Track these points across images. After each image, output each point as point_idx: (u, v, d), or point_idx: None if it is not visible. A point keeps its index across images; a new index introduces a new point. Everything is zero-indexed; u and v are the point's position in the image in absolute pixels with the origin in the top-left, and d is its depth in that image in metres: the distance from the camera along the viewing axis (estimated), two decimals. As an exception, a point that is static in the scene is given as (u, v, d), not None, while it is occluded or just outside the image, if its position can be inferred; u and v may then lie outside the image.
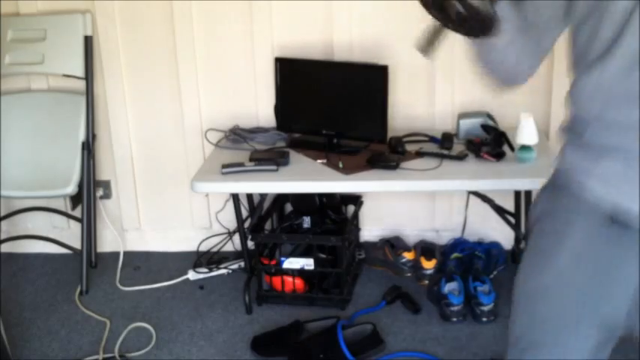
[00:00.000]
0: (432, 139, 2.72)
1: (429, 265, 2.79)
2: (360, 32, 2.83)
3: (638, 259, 1.22)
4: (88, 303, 2.81)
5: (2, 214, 3.07)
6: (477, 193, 2.80)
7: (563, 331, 1.27)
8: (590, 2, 1.21)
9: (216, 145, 2.83)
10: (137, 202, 3.16)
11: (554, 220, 1.32)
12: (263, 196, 2.83)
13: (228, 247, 3.10)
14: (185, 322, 2.66)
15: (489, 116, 2.69)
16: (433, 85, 2.85)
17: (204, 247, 3.11)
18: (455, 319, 2.55)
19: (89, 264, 2.96)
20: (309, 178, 2.53)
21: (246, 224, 2.81)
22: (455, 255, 2.83)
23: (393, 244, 2.92)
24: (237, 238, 2.94)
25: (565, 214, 1.30)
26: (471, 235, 2.98)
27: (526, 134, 2.47)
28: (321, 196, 2.78)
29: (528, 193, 2.52)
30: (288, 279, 2.70)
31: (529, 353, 1.34)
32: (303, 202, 2.79)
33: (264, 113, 2.93)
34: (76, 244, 2.94)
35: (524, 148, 2.50)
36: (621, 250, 1.23)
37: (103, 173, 3.10)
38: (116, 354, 2.49)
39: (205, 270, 2.97)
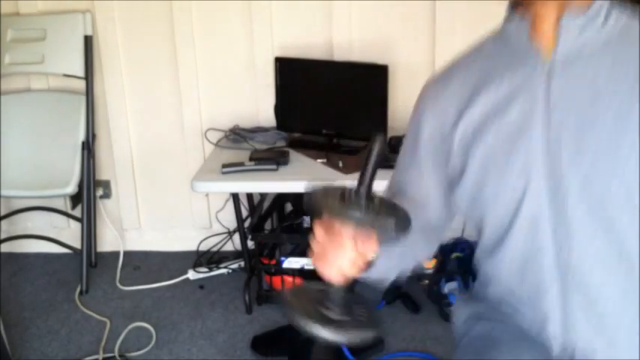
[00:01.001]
0: (432, 139, 2.72)
1: (428, 265, 2.79)
2: (360, 32, 2.83)
3: None
4: (88, 303, 2.81)
5: (2, 213, 3.07)
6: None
7: None
8: (468, 204, 1.16)
9: (216, 144, 2.83)
10: (137, 201, 3.16)
11: (476, 334, 1.27)
12: (263, 195, 2.83)
13: (228, 247, 3.10)
14: (185, 322, 2.66)
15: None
16: (433, 85, 2.85)
17: (204, 247, 3.11)
18: (455, 319, 2.55)
19: (89, 264, 2.96)
20: (309, 178, 2.53)
21: (246, 224, 2.81)
22: (455, 255, 2.82)
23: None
24: (237, 237, 2.94)
25: (485, 325, 1.26)
26: (471, 235, 2.97)
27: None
28: (321, 196, 2.78)
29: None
30: (288, 279, 2.69)
31: None
32: (303, 201, 2.79)
33: (264, 113, 2.93)
34: (76, 243, 2.94)
35: (524, 147, 2.49)
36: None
37: (102, 173, 3.10)
38: (116, 354, 2.49)
39: (205, 270, 2.97)
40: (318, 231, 1.07)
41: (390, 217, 1.05)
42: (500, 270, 1.18)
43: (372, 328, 1.13)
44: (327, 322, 1.06)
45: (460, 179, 1.16)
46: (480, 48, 1.22)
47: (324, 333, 1.04)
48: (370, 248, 1.06)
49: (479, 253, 1.25)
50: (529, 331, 1.17)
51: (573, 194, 1.04)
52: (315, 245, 1.08)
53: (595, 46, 1.04)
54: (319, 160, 2.62)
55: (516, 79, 1.09)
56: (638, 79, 1.00)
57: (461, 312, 1.34)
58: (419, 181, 1.25)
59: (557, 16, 1.04)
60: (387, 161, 2.69)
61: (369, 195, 1.05)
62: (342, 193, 1.06)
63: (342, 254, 1.06)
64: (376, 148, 1.10)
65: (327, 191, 1.08)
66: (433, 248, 1.31)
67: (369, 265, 1.12)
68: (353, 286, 1.16)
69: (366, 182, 1.06)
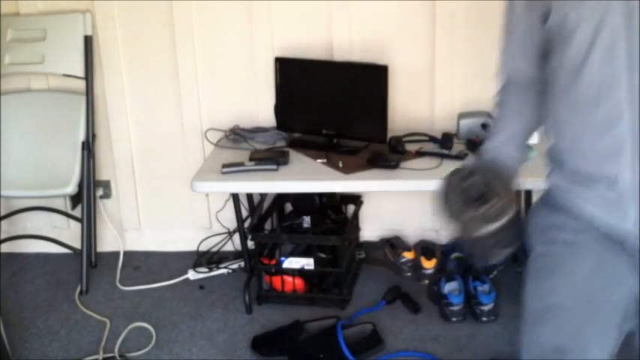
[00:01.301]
0: (432, 139, 2.72)
1: (429, 265, 2.79)
2: (360, 32, 2.83)
3: (638, 268, 1.29)
4: (88, 303, 2.81)
5: (2, 214, 3.07)
6: (476, 193, 2.80)
7: (580, 343, 1.33)
8: (554, 30, 1.28)
9: (216, 144, 2.83)
10: (137, 202, 3.16)
11: (558, 241, 1.39)
12: (263, 195, 2.83)
13: (228, 247, 3.10)
14: (185, 322, 2.66)
15: (489, 116, 2.68)
16: (433, 85, 2.85)
17: (204, 247, 3.11)
18: (455, 319, 2.55)
19: (89, 264, 2.96)
20: (309, 178, 2.53)
21: (246, 224, 2.81)
22: (455, 255, 2.83)
23: (393, 244, 2.92)
24: (237, 237, 2.94)
25: (568, 233, 1.37)
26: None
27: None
28: (321, 195, 2.78)
29: (528, 193, 2.52)
30: (288, 279, 2.70)
31: None
32: (303, 202, 2.79)
33: (264, 113, 2.93)
34: (76, 243, 2.94)
35: (524, 147, 2.50)
36: (622, 262, 1.32)
37: (102, 173, 3.10)
38: (116, 354, 2.49)
39: (205, 270, 2.97)
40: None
41: (509, 232, 1.32)
42: (577, 102, 1.27)
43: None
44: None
45: (548, 18, 1.29)
46: None
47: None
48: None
49: (551, 104, 1.37)
50: (594, 178, 1.29)
51: None
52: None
53: None
54: (319, 160, 2.62)
55: None
56: None
57: (541, 216, 1.45)
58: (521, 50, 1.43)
59: None
60: (387, 161, 2.70)
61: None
62: (475, 207, 1.34)
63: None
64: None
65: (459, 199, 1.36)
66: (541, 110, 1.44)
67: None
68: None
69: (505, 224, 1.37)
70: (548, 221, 1.42)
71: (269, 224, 2.91)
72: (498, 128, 1.53)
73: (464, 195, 1.39)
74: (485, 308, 2.53)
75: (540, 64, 1.41)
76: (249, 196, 2.85)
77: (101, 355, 2.48)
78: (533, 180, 2.41)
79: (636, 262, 1.31)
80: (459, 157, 2.56)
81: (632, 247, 1.30)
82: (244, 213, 2.83)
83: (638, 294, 1.32)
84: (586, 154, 1.30)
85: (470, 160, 1.49)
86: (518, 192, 1.43)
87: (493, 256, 1.43)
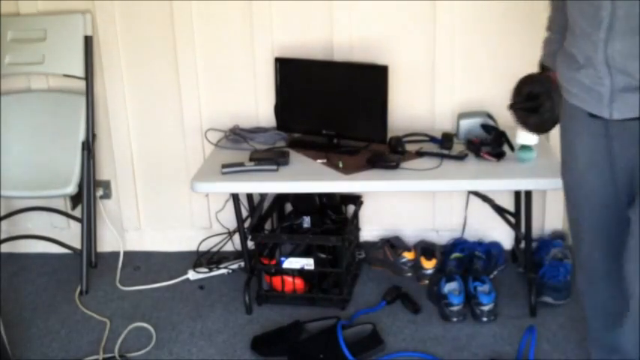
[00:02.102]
0: (432, 139, 2.72)
1: (429, 265, 2.79)
2: (360, 32, 2.83)
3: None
4: (88, 303, 2.81)
5: (2, 214, 3.07)
6: (477, 193, 2.80)
7: (591, 204, 1.83)
8: None
9: (216, 145, 2.83)
10: (137, 202, 3.16)
11: (565, 133, 1.84)
12: (263, 196, 2.83)
13: (228, 247, 3.10)
14: (185, 322, 2.66)
15: (489, 116, 2.69)
16: (433, 85, 2.85)
17: (204, 247, 3.11)
18: (455, 319, 2.55)
19: (89, 264, 2.96)
20: (309, 178, 2.53)
21: (246, 224, 2.81)
22: (455, 255, 2.83)
23: (393, 244, 2.92)
24: (237, 238, 2.94)
25: (569, 124, 1.80)
26: (471, 235, 2.98)
27: (526, 134, 2.47)
28: (321, 196, 2.78)
29: (528, 193, 2.52)
30: (288, 279, 2.70)
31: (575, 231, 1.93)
32: (303, 202, 2.79)
33: (264, 113, 2.93)
34: (76, 244, 2.94)
35: (525, 147, 2.50)
36: (609, 140, 1.69)
37: (103, 173, 3.10)
38: (116, 354, 2.49)
39: (205, 270, 2.97)
40: None
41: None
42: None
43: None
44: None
45: None
46: None
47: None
48: None
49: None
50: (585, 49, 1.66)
51: None
52: None
53: None
54: (319, 161, 2.62)
55: None
56: None
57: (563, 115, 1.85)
58: None
59: None
60: (387, 161, 2.70)
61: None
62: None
63: None
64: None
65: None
66: None
67: None
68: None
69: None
70: (562, 124, 1.86)
71: (269, 224, 2.91)
72: (549, 27, 1.94)
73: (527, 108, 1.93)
74: (486, 308, 2.53)
75: None
76: (249, 197, 2.85)
77: (101, 355, 2.48)
78: (532, 180, 2.44)
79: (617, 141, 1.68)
80: (458, 157, 2.56)
81: (613, 129, 1.67)
82: (244, 213, 2.83)
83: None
84: (577, 41, 1.66)
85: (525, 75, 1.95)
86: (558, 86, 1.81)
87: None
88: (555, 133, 1.94)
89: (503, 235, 2.96)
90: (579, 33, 1.66)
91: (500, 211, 2.77)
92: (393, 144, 2.64)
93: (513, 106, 1.94)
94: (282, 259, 2.67)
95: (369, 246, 2.98)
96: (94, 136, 2.93)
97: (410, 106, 2.88)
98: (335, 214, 2.83)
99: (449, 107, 2.85)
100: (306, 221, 2.78)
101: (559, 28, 1.85)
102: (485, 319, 2.54)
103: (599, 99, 1.64)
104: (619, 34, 1.54)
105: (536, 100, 1.89)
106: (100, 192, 3.09)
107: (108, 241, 3.15)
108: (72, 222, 3.09)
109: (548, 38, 1.96)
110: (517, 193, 2.77)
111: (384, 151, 2.62)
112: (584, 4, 1.62)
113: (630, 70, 1.55)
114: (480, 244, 2.92)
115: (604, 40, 1.57)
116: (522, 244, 2.73)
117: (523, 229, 2.62)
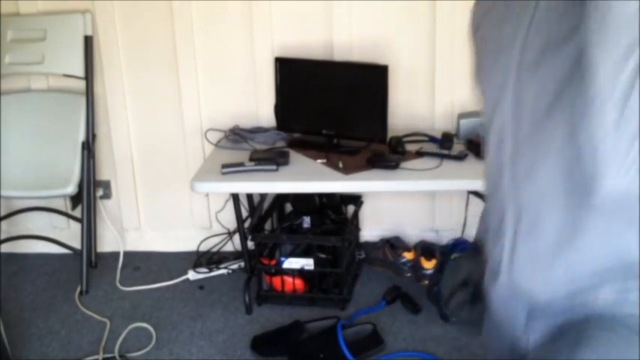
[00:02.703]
0: (432, 139, 2.72)
1: (429, 265, 2.79)
2: (360, 32, 2.83)
3: None
4: (88, 303, 2.81)
5: (2, 214, 3.07)
6: (476, 193, 2.80)
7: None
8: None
9: (216, 145, 2.83)
10: (137, 202, 3.16)
11: None
12: (263, 196, 2.83)
13: (228, 247, 3.10)
14: (185, 322, 2.66)
15: (489, 116, 2.69)
16: (433, 85, 2.85)
17: (204, 247, 3.11)
18: (455, 320, 2.55)
19: (89, 264, 2.96)
20: (309, 178, 2.53)
21: (246, 224, 2.81)
22: (455, 255, 2.82)
23: (393, 244, 2.92)
24: (237, 238, 2.94)
25: None
26: (471, 235, 2.98)
27: None
28: (321, 196, 2.78)
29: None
30: (288, 279, 2.70)
31: None
32: (303, 202, 2.79)
33: (264, 113, 2.93)
34: (76, 244, 2.94)
35: (524, 148, 2.50)
36: None
37: (103, 173, 3.10)
38: (116, 354, 2.49)
39: (205, 270, 2.97)
40: None
41: None
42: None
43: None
44: None
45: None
46: None
47: None
48: None
49: None
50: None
51: (526, 114, 1.04)
52: None
53: None
54: (319, 160, 2.62)
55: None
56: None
57: None
58: None
59: None
60: (387, 161, 2.69)
61: None
62: None
63: None
64: None
65: None
66: None
67: None
68: None
69: None
70: None
71: (269, 224, 2.91)
72: None
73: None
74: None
75: None
76: (249, 197, 2.85)
77: (101, 355, 2.48)
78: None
79: None
80: (458, 157, 2.56)
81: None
82: (244, 213, 2.83)
83: None
84: (488, 237, 1.24)
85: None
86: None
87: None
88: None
89: (503, 235, 2.96)
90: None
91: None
92: (393, 144, 2.64)
93: None
94: (282, 259, 2.67)
95: (369, 246, 2.98)
96: (94, 136, 2.93)
97: (410, 106, 2.88)
98: (335, 214, 2.83)
99: (449, 107, 2.85)
100: (306, 221, 2.78)
101: None
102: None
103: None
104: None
105: None
106: (100, 192, 3.09)
107: (108, 241, 3.15)
108: (72, 222, 3.09)
109: None
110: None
111: (384, 151, 2.62)
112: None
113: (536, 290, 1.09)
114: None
115: (507, 256, 1.11)
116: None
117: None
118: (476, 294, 1.39)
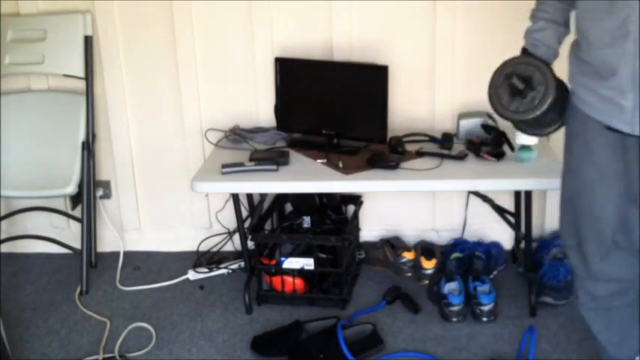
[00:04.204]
0: (432, 139, 2.72)
1: (429, 265, 2.79)
2: (360, 32, 2.83)
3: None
4: (88, 303, 2.81)
5: (2, 214, 3.07)
6: (477, 193, 2.80)
7: (595, 207, 1.75)
8: None
9: (216, 145, 2.83)
10: (137, 202, 3.16)
11: (573, 139, 1.75)
12: (263, 196, 2.83)
13: (228, 247, 3.10)
14: (185, 322, 2.66)
15: (489, 116, 2.69)
16: (433, 85, 2.85)
17: (204, 247, 3.11)
18: (455, 319, 2.55)
19: (89, 264, 2.96)
20: (309, 178, 2.53)
21: (246, 224, 2.81)
22: (455, 255, 2.83)
23: (393, 244, 2.92)
24: (237, 238, 2.94)
25: (580, 130, 1.69)
26: (471, 235, 2.98)
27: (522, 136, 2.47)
28: (321, 196, 2.78)
29: (528, 193, 2.52)
30: (288, 279, 2.70)
31: (574, 241, 1.85)
32: (303, 202, 2.79)
33: (264, 113, 2.93)
34: (76, 244, 2.94)
35: (524, 147, 2.50)
36: (626, 152, 1.61)
37: (103, 173, 3.10)
38: (116, 354, 2.49)
39: (205, 270, 2.97)
40: None
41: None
42: (594, 10, 1.55)
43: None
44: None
45: None
46: None
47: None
48: None
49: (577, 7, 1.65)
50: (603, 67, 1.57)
51: None
52: None
53: None
54: (319, 160, 2.62)
55: None
56: None
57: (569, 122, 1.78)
58: None
59: None
60: (387, 161, 2.70)
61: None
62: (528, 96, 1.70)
63: None
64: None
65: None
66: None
67: None
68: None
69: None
70: (570, 129, 1.77)
71: (269, 224, 2.91)
72: (538, 16, 1.80)
73: (510, 89, 1.69)
74: (485, 308, 2.53)
75: None
76: (249, 197, 2.85)
77: (101, 355, 2.48)
78: (532, 180, 2.44)
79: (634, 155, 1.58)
80: (458, 157, 2.56)
81: (629, 141, 1.57)
82: (244, 213, 2.83)
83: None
84: (595, 52, 1.55)
85: (511, 57, 1.75)
86: (557, 79, 1.69)
87: (547, 130, 1.82)
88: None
89: (503, 235, 2.96)
90: (598, 44, 1.56)
91: (500, 211, 2.77)
92: (393, 144, 2.64)
93: (494, 84, 1.71)
94: (282, 259, 2.67)
95: (369, 246, 2.98)
96: (94, 136, 2.93)
97: (410, 106, 2.88)
98: (335, 214, 2.83)
99: (449, 107, 2.85)
100: (306, 221, 2.78)
101: (554, 20, 1.76)
102: (485, 319, 2.54)
103: (621, 112, 1.55)
104: None
105: (525, 82, 1.67)
106: (100, 192, 3.09)
107: (108, 241, 3.15)
108: (72, 222, 3.09)
109: (537, 28, 1.80)
110: (517, 193, 2.77)
111: (384, 151, 2.62)
112: (605, 15, 1.51)
113: None
114: (479, 244, 2.92)
115: (632, 53, 1.48)
116: (522, 244, 2.73)
117: (523, 229, 2.62)
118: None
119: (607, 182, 1.69)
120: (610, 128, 1.58)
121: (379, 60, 2.70)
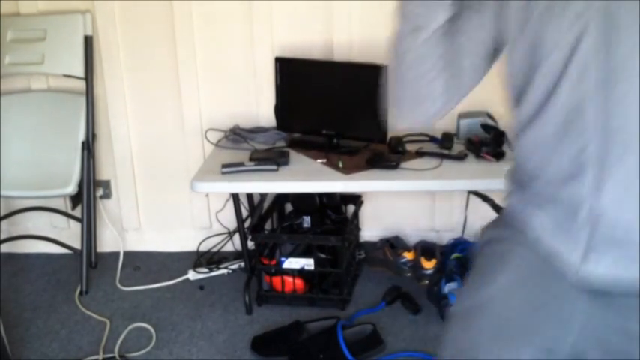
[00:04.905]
0: (432, 139, 2.72)
1: (429, 265, 2.79)
2: (360, 32, 2.83)
3: (580, 301, 1.19)
4: (88, 303, 2.81)
5: (2, 214, 3.07)
6: (477, 193, 2.80)
7: (497, 343, 1.24)
8: (523, 53, 1.19)
9: (216, 145, 2.83)
10: (137, 202, 3.16)
11: (498, 245, 1.33)
12: (263, 196, 2.83)
13: (228, 247, 3.10)
14: (185, 322, 2.66)
15: (489, 116, 2.69)
16: (433, 85, 2.85)
17: (204, 247, 3.11)
18: (455, 319, 2.54)
19: (89, 264, 2.96)
20: (309, 178, 2.53)
21: (246, 224, 2.81)
22: (455, 255, 2.83)
23: (393, 244, 2.92)
24: (237, 238, 2.94)
25: (509, 243, 1.30)
26: (471, 235, 2.98)
27: None
28: (321, 196, 2.78)
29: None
30: (288, 279, 2.70)
31: None
32: (303, 202, 2.79)
33: (264, 113, 2.93)
34: (76, 244, 2.94)
35: (524, 148, 2.50)
36: (559, 288, 1.21)
37: (103, 173, 3.10)
38: (116, 354, 2.49)
39: (205, 270, 2.97)
40: None
41: None
42: (541, 134, 1.20)
43: None
44: None
45: (524, 29, 1.18)
46: None
47: None
48: None
49: (517, 129, 1.27)
50: (555, 204, 1.19)
51: (625, 36, 1.05)
52: None
53: None
54: (319, 161, 2.62)
55: None
56: None
57: (487, 233, 1.39)
58: (473, 24, 1.27)
59: None
60: (387, 161, 2.69)
61: None
62: None
63: None
64: None
65: None
66: (448, 93, 1.37)
67: None
68: None
69: None
70: (490, 235, 1.37)
71: (269, 224, 2.91)
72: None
73: None
74: (486, 308, 2.53)
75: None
76: (249, 197, 2.85)
77: (101, 355, 2.48)
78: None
79: (578, 295, 1.18)
80: (458, 157, 2.56)
81: (573, 279, 1.18)
82: (244, 213, 2.83)
83: (578, 327, 1.20)
84: (549, 179, 1.20)
85: None
86: None
87: None
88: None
89: (503, 235, 2.96)
90: (540, 175, 1.22)
91: (500, 211, 2.76)
92: (393, 144, 2.64)
93: None
94: (282, 259, 2.67)
95: (369, 246, 2.98)
96: (94, 136, 2.93)
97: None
98: (335, 214, 2.83)
99: (449, 107, 2.85)
100: (306, 221, 2.78)
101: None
102: (485, 319, 2.53)
103: (569, 241, 1.18)
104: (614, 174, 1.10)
105: None
106: (100, 192, 3.09)
107: (108, 241, 3.15)
108: (72, 222, 3.09)
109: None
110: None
111: (384, 151, 2.62)
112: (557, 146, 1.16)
113: (624, 222, 1.11)
114: (480, 244, 2.91)
115: (592, 187, 1.12)
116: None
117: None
118: None
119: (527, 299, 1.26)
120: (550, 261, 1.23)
121: (379, 60, 2.70)
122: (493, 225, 1.41)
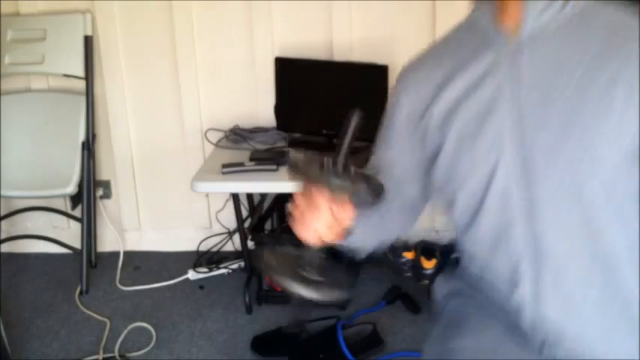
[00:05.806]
0: (432, 139, 2.72)
1: (429, 265, 2.79)
2: (360, 32, 2.83)
3: None
4: (88, 303, 2.81)
5: (2, 214, 3.07)
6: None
7: None
8: (441, 178, 1.20)
9: (216, 145, 2.83)
10: (137, 202, 3.16)
11: (457, 302, 1.34)
12: (263, 195, 2.83)
13: (228, 247, 3.10)
14: (185, 322, 2.66)
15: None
16: (433, 85, 2.85)
17: (204, 247, 3.11)
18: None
19: (89, 264, 2.96)
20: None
21: (246, 224, 2.81)
22: (455, 255, 2.83)
23: (393, 244, 2.92)
24: (237, 237, 2.94)
25: (468, 305, 1.31)
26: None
27: None
28: (321, 196, 2.78)
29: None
30: (288, 279, 2.69)
31: None
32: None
33: (264, 113, 2.93)
34: (76, 244, 2.94)
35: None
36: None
37: (103, 173, 3.10)
38: (116, 354, 2.49)
39: (205, 270, 2.97)
40: (298, 196, 1.20)
41: (364, 183, 1.12)
42: (475, 246, 1.21)
43: (343, 290, 1.20)
44: (302, 280, 1.14)
45: (437, 158, 1.20)
46: (452, 36, 1.28)
47: (299, 289, 1.13)
48: (346, 214, 1.13)
49: (457, 232, 1.27)
50: (503, 306, 1.19)
51: (541, 165, 1.07)
52: (294, 209, 1.20)
53: (557, 25, 1.07)
54: (319, 161, 2.61)
55: (485, 61, 1.13)
56: (596, 55, 1.04)
57: (441, 288, 1.42)
58: (397, 160, 1.31)
59: None
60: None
61: (346, 164, 1.12)
62: (321, 162, 1.14)
63: (319, 218, 1.16)
64: (353, 121, 1.21)
65: (308, 160, 1.17)
66: (410, 225, 1.35)
67: (347, 233, 1.19)
68: (332, 251, 1.25)
69: (343, 152, 1.14)
70: (449, 288, 1.39)
71: (269, 224, 2.91)
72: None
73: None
74: (485, 308, 2.53)
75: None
76: (249, 196, 2.85)
77: (101, 355, 2.48)
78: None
79: None
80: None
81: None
82: (244, 213, 2.83)
83: None
84: (493, 282, 1.21)
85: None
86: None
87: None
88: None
89: (503, 235, 2.96)
90: (484, 277, 1.23)
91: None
92: (393, 144, 2.64)
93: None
94: (282, 259, 2.67)
95: (369, 246, 2.98)
96: (94, 136, 2.93)
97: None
98: (335, 214, 2.83)
99: (449, 107, 2.85)
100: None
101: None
102: (485, 319, 2.53)
103: (523, 339, 1.18)
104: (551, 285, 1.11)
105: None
106: (100, 192, 3.09)
107: (108, 241, 3.15)
108: (72, 222, 3.09)
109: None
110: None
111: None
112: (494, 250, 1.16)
113: (571, 333, 1.12)
114: (479, 244, 2.91)
115: (531, 297, 1.13)
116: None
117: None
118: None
119: None
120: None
121: (379, 60, 2.70)
122: (449, 276, 1.42)
